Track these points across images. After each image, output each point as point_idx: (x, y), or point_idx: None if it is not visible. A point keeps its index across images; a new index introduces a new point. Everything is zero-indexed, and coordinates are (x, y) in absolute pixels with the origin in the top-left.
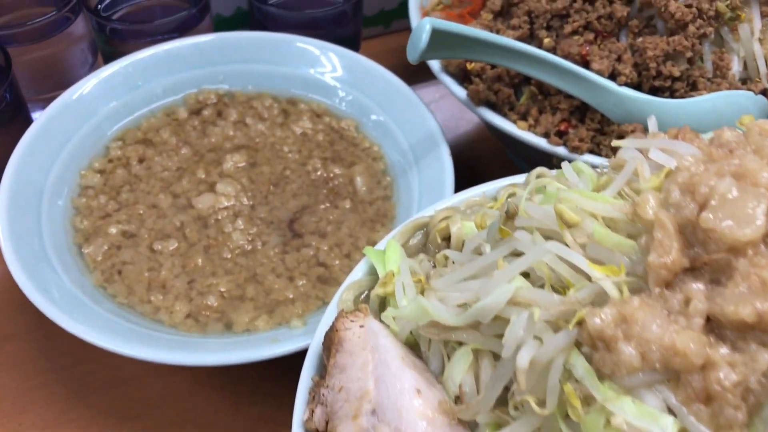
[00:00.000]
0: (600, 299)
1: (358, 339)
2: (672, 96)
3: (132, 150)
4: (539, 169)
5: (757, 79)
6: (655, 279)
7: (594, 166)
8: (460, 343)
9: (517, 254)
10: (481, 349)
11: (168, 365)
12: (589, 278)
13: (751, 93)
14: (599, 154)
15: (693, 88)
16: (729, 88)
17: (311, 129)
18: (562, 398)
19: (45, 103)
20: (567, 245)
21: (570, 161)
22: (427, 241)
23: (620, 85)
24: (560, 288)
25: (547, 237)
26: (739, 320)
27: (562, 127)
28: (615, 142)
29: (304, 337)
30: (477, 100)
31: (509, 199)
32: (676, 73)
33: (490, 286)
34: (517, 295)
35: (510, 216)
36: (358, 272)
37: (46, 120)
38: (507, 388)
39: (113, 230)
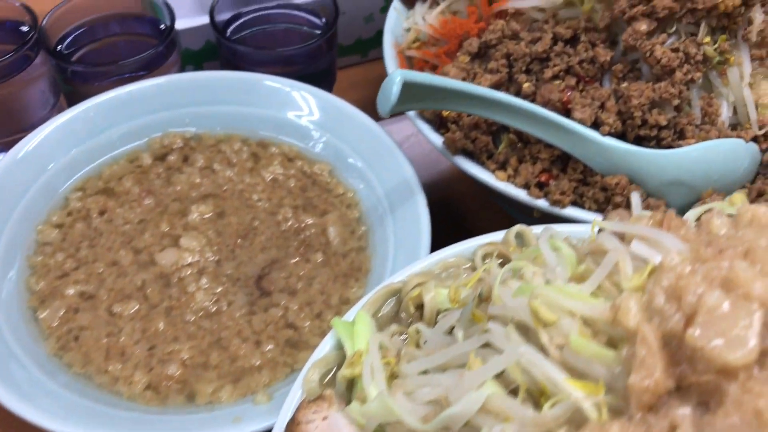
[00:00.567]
0: (577, 418)
1: None
2: (658, 144)
3: (93, 201)
4: (518, 228)
5: (748, 126)
6: (637, 403)
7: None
8: None
9: (490, 346)
10: None
11: None
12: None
13: (741, 141)
14: (582, 206)
15: (680, 136)
16: (718, 136)
17: (282, 174)
18: None
19: (4, 147)
20: (544, 345)
21: (551, 214)
22: (399, 308)
23: (603, 134)
24: (536, 391)
25: (523, 330)
26: None
27: (543, 178)
28: (596, 222)
29: (268, 415)
30: (453, 148)
31: (484, 277)
32: (663, 121)
33: (460, 390)
34: (488, 403)
35: (483, 299)
36: (326, 345)
37: None
38: None
39: (71, 291)
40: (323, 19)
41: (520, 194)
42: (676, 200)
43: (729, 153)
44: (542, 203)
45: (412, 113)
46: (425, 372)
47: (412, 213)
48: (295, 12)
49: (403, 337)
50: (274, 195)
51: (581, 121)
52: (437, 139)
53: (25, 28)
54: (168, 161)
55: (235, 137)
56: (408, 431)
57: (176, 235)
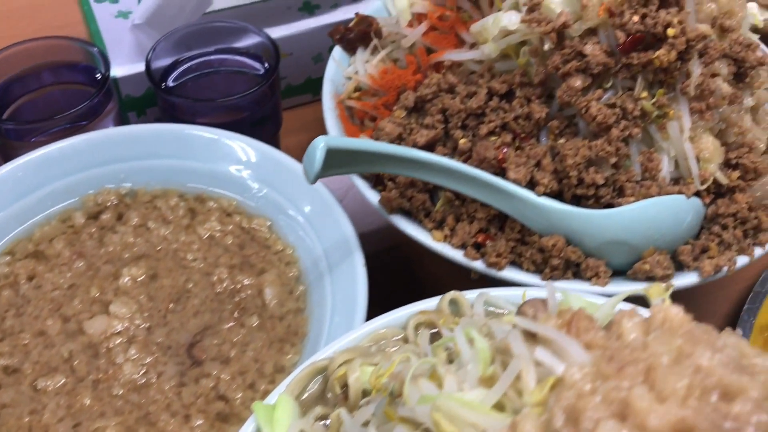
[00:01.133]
0: None
1: None
2: (597, 203)
3: (21, 266)
4: (452, 295)
5: (690, 180)
6: None
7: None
8: None
9: None
10: None
11: None
12: None
13: (682, 197)
14: (521, 266)
15: (620, 193)
16: (659, 192)
17: (220, 231)
18: None
19: None
20: None
21: (488, 276)
22: (326, 387)
23: (539, 195)
24: None
25: None
26: None
27: (480, 239)
28: (506, 319)
29: None
30: (389, 207)
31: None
32: (600, 180)
33: None
34: None
35: (396, 395)
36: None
37: None
38: None
39: None
40: (265, 63)
41: (457, 256)
42: (617, 259)
43: (670, 210)
44: (479, 265)
45: None
46: None
47: (349, 274)
48: (237, 57)
49: (328, 421)
50: (210, 253)
51: (516, 182)
52: (373, 197)
53: None
54: (101, 220)
55: (172, 192)
56: None
57: (107, 301)
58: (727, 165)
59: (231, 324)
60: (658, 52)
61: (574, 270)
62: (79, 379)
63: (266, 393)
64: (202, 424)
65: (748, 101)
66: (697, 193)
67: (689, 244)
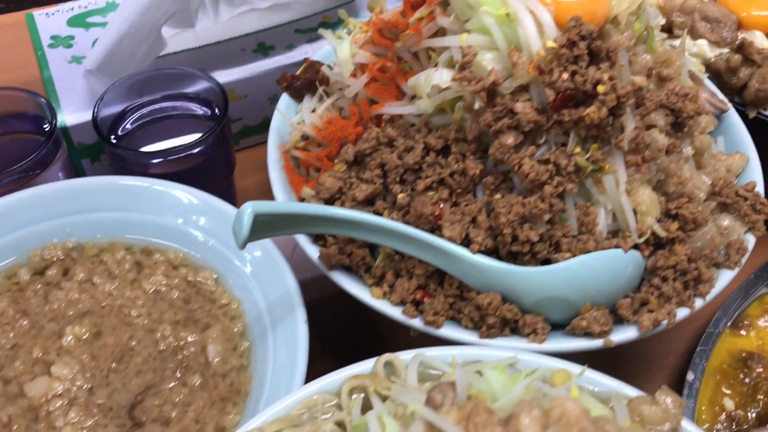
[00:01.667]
0: None
1: None
2: (534, 258)
3: None
4: (387, 357)
5: (628, 234)
6: None
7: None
8: None
9: None
10: None
11: None
12: None
13: (620, 251)
14: (459, 322)
15: (557, 248)
16: (596, 246)
17: (165, 285)
18: None
19: None
20: None
21: (427, 334)
22: None
23: (474, 252)
24: None
25: None
26: None
27: (418, 296)
28: (414, 408)
29: None
30: (328, 264)
31: None
32: (534, 237)
33: None
34: None
35: None
36: None
37: None
38: None
39: None
40: (215, 108)
41: (395, 313)
42: (555, 315)
43: (607, 265)
44: (417, 323)
45: None
46: None
47: (291, 331)
48: (186, 102)
49: None
50: (154, 309)
51: (450, 240)
52: (314, 252)
53: None
54: (47, 276)
55: (119, 245)
56: None
57: (49, 361)
58: (668, 215)
59: (173, 383)
60: (588, 110)
61: (512, 326)
62: None
63: None
64: None
65: (688, 150)
66: (636, 246)
67: (629, 297)
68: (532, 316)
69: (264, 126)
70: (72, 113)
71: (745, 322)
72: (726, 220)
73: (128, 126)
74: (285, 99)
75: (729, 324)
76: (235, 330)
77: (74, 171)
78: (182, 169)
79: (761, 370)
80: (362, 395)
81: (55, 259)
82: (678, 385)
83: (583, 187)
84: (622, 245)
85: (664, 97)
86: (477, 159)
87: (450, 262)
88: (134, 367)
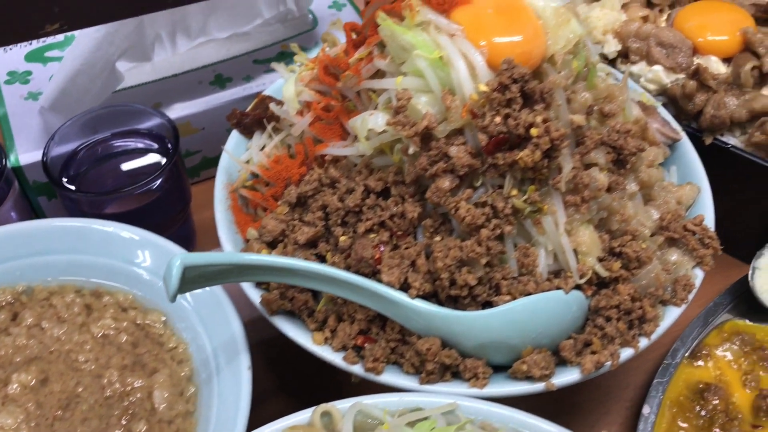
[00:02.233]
0: None
1: None
2: (474, 301)
3: None
4: (324, 407)
5: (569, 274)
6: None
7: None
8: None
9: None
10: None
11: None
12: None
13: (560, 293)
14: (401, 366)
15: (497, 291)
16: (536, 288)
17: (114, 329)
18: None
19: None
20: None
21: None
22: None
23: (412, 297)
24: None
25: None
26: None
27: (359, 341)
28: None
29: None
30: (269, 309)
31: None
32: (472, 281)
33: None
34: None
35: None
36: None
37: None
38: None
39: None
40: (168, 143)
41: (336, 359)
42: (498, 358)
43: (547, 307)
44: (358, 369)
45: None
46: None
47: (235, 378)
48: (139, 139)
49: None
50: (102, 354)
51: (389, 284)
52: (256, 296)
53: None
54: None
55: (69, 288)
56: None
57: None
58: (612, 253)
59: (118, 431)
60: (521, 153)
61: (454, 370)
62: None
63: None
64: None
65: (632, 187)
66: (579, 286)
67: (572, 338)
68: (473, 360)
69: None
70: (26, 152)
71: (704, 352)
72: (674, 255)
73: (81, 164)
74: (235, 136)
75: (687, 354)
76: (182, 374)
77: (29, 209)
78: (137, 207)
79: (717, 401)
80: None
81: (3, 303)
82: (636, 417)
83: (523, 228)
84: (563, 286)
85: (605, 135)
86: (416, 202)
87: (390, 307)
88: (80, 415)
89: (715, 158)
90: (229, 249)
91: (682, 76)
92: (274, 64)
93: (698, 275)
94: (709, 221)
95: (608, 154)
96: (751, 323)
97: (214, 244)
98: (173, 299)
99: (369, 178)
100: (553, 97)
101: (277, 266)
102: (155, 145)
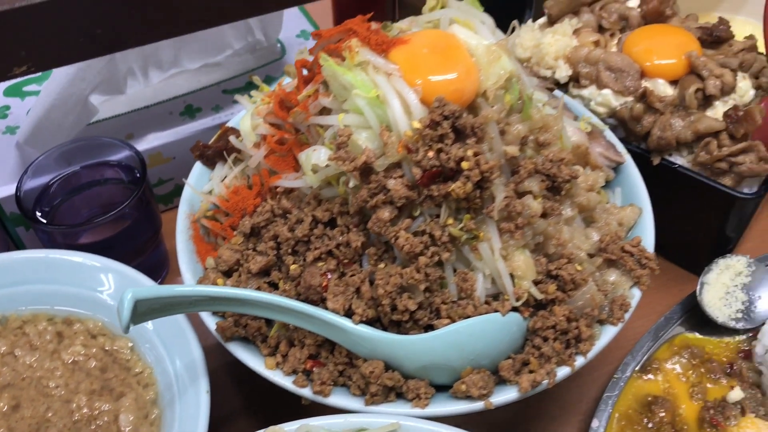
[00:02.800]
0: None
1: None
2: (416, 325)
3: None
4: (271, 429)
5: (506, 297)
6: None
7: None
8: None
9: None
10: None
11: None
12: None
13: (497, 315)
14: (349, 388)
15: (438, 314)
16: (475, 311)
17: (83, 355)
18: None
19: None
20: None
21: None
22: None
23: (356, 323)
24: None
25: None
26: None
27: (308, 365)
28: None
29: None
30: (225, 336)
31: None
32: (412, 306)
33: None
34: None
35: None
36: None
37: None
38: None
39: None
40: (136, 173)
41: (287, 383)
42: (440, 379)
43: (484, 329)
44: (307, 392)
45: None
46: None
47: (194, 401)
48: (110, 170)
49: None
50: (72, 379)
51: (334, 311)
52: (212, 323)
53: None
54: None
55: (41, 316)
56: None
57: None
58: (549, 276)
59: None
60: (453, 185)
61: (399, 391)
62: None
63: None
64: None
65: (567, 212)
66: (517, 309)
67: (511, 358)
68: (415, 381)
69: None
70: (3, 185)
71: (654, 366)
72: (613, 276)
73: (55, 197)
74: (198, 167)
75: (637, 368)
76: (147, 398)
77: (8, 239)
78: (109, 236)
79: (664, 413)
80: None
81: None
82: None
83: (462, 254)
84: (501, 309)
85: (539, 164)
86: (360, 231)
87: (336, 333)
88: None
89: (664, 177)
90: (189, 278)
91: (630, 99)
92: (237, 96)
93: (636, 295)
94: (649, 242)
95: (542, 182)
96: (701, 336)
97: None
98: (125, 330)
99: (317, 209)
100: (486, 131)
101: (226, 297)
102: (125, 176)
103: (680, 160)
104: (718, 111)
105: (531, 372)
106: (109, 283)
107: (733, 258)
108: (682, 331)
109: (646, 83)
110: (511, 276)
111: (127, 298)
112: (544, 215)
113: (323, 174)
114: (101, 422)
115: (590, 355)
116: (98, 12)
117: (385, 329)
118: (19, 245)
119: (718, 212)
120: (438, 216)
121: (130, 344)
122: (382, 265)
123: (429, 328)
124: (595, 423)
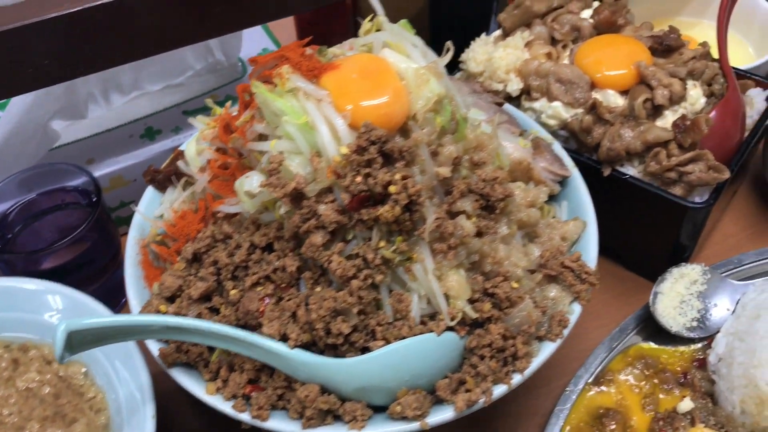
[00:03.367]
0: None
1: None
2: (352, 347)
3: None
4: None
5: (441, 317)
6: None
7: None
8: None
9: None
10: None
11: None
12: None
13: (432, 335)
14: (288, 412)
15: (373, 336)
16: (410, 331)
17: (37, 381)
18: None
19: None
20: None
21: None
22: None
23: (291, 348)
24: None
25: None
26: None
27: (247, 390)
28: None
29: None
30: (167, 362)
31: None
32: (346, 329)
33: None
34: None
35: None
36: None
37: None
38: None
39: None
40: (93, 197)
41: (227, 408)
42: (378, 400)
43: (419, 349)
44: (246, 417)
45: None
46: None
47: (140, 426)
48: (68, 195)
49: None
50: (26, 406)
51: (270, 336)
52: (155, 349)
53: None
54: None
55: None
56: None
57: None
58: (486, 294)
59: None
60: (382, 209)
61: (336, 414)
62: None
63: None
64: None
65: (503, 230)
66: (452, 328)
67: (447, 378)
68: (352, 403)
69: None
70: None
71: (607, 377)
72: (553, 291)
73: (15, 224)
74: (150, 192)
75: (590, 380)
76: (99, 423)
77: None
78: (69, 260)
79: (614, 426)
80: None
81: None
82: None
83: (397, 275)
84: (435, 329)
85: (472, 183)
86: (295, 256)
87: (272, 358)
88: None
89: (617, 188)
90: (135, 305)
91: (580, 110)
92: (190, 119)
93: (576, 310)
94: (591, 256)
95: (476, 201)
96: (656, 346)
97: None
98: (61, 361)
99: (255, 234)
100: (416, 153)
101: (164, 325)
102: (83, 201)
103: (631, 170)
104: (668, 120)
105: (467, 391)
106: (59, 308)
107: (687, 267)
108: (637, 341)
109: (596, 94)
110: (446, 296)
111: (60, 330)
112: (479, 234)
113: (259, 200)
114: None
115: (527, 372)
116: (44, 45)
117: (322, 353)
118: None
119: (670, 221)
120: (371, 239)
121: (83, 369)
122: (318, 289)
123: (365, 350)
124: None
